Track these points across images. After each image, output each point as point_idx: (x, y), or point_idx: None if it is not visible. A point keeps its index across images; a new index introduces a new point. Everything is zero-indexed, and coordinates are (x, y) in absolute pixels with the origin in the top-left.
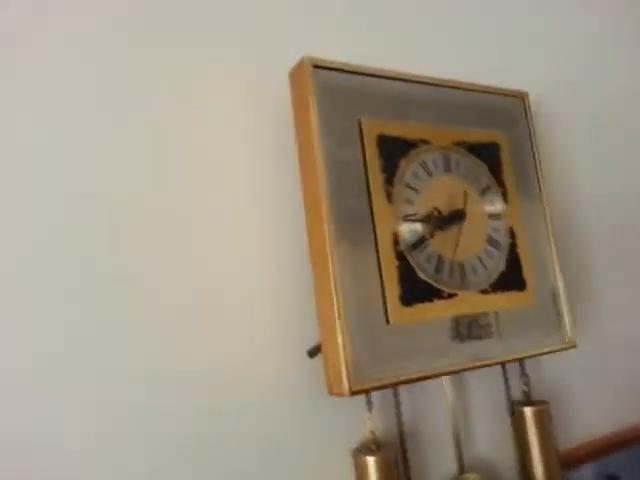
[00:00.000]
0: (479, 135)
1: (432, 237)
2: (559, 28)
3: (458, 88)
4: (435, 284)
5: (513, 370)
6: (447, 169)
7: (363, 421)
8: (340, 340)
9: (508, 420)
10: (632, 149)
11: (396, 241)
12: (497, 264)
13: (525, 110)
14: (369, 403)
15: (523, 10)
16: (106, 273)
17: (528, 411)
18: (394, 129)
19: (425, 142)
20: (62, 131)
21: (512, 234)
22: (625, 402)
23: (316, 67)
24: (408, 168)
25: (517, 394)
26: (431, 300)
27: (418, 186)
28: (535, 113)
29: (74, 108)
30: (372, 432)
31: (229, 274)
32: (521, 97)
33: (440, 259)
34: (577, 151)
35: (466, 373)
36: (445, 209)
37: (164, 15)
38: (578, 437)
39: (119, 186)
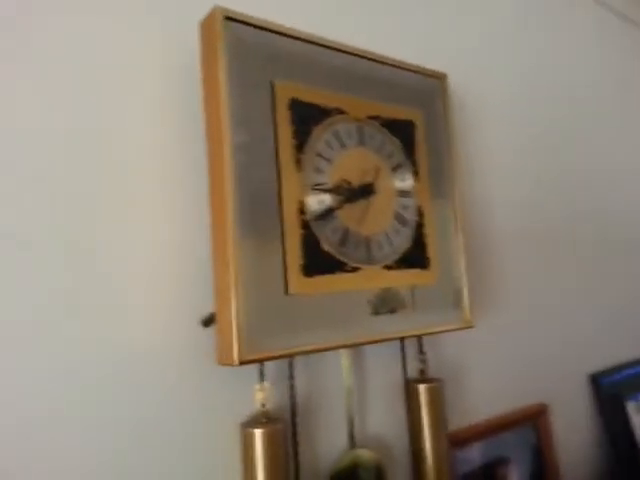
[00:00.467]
0: (395, 111)
1: (340, 209)
2: (479, 12)
3: (378, 62)
4: (339, 257)
5: (412, 348)
6: (361, 142)
7: (254, 393)
8: (233, 307)
9: (403, 397)
10: (543, 134)
11: (302, 210)
12: (403, 241)
13: (443, 91)
14: (261, 375)
15: None
16: None
17: (421, 388)
18: (309, 95)
19: (340, 112)
20: None
21: (420, 212)
22: (516, 385)
23: (228, 19)
24: (321, 136)
25: (415, 373)
26: (333, 272)
27: (330, 156)
28: (452, 95)
29: None
30: (262, 404)
31: (124, 243)
32: (440, 78)
33: (346, 232)
34: (490, 133)
35: (366, 349)
36: (356, 182)
37: None
38: (470, 417)
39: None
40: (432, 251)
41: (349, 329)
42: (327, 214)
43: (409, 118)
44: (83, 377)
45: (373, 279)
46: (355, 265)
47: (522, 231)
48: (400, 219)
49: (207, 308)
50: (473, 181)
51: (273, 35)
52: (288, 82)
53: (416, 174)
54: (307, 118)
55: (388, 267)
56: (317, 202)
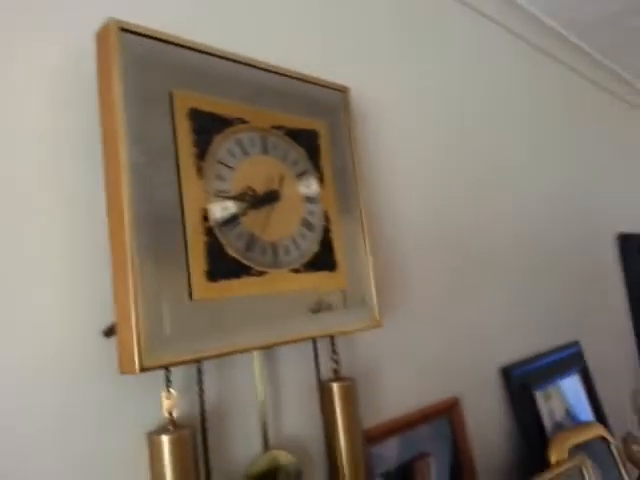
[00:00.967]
0: (299, 122)
1: (245, 215)
2: (383, 25)
3: (280, 74)
4: (245, 261)
5: (325, 350)
6: (264, 150)
7: (161, 401)
8: (132, 316)
9: (317, 398)
10: (447, 143)
11: (205, 217)
12: (311, 245)
13: (346, 103)
14: (168, 382)
15: (347, 4)
16: None
17: (335, 386)
18: (209, 104)
19: (242, 121)
20: None
21: (327, 218)
22: (429, 381)
23: (124, 31)
24: (222, 145)
25: (329, 374)
26: (239, 277)
27: (232, 164)
28: (356, 107)
29: None
30: (169, 412)
31: (17, 254)
32: (343, 91)
33: (252, 237)
34: (394, 143)
35: (278, 352)
36: (260, 189)
37: None
38: (385, 414)
39: None
40: (340, 254)
41: (258, 331)
42: (231, 221)
43: (313, 128)
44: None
45: (280, 282)
46: (261, 269)
47: (429, 235)
48: (307, 224)
49: (109, 319)
50: (379, 189)
51: (171, 46)
52: (187, 92)
53: (321, 181)
54: (208, 127)
55: (296, 270)
56: (221, 209)
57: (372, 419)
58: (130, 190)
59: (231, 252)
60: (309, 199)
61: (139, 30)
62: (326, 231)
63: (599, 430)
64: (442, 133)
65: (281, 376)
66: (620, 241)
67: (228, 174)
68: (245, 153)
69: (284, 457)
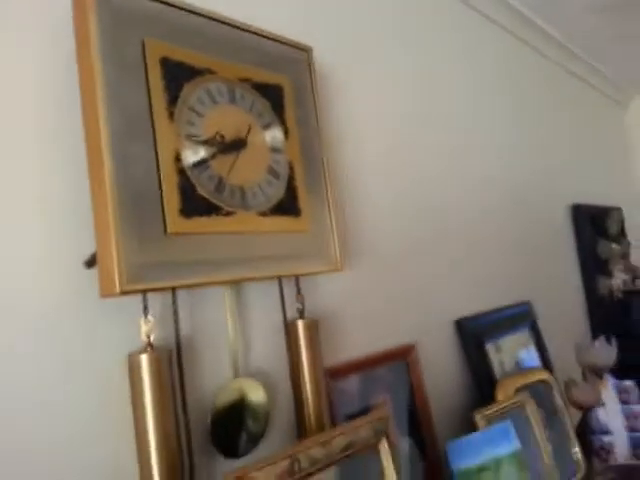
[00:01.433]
0: (265, 76)
1: (214, 159)
2: None
3: (248, 31)
4: (215, 201)
5: (291, 293)
6: (232, 100)
7: (138, 326)
8: (113, 245)
9: (283, 335)
10: (412, 108)
11: (178, 158)
12: (276, 192)
13: (308, 63)
14: (145, 309)
15: None
16: None
17: (300, 323)
18: (179, 54)
19: (210, 72)
20: None
21: (291, 167)
22: (387, 327)
23: None
24: (192, 93)
25: (294, 315)
26: (210, 215)
27: (202, 111)
28: (319, 67)
29: None
30: (147, 335)
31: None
32: (306, 50)
33: (221, 180)
34: (358, 103)
35: (248, 290)
36: (229, 136)
37: None
38: (347, 354)
39: None
40: (303, 202)
41: (228, 267)
42: (201, 163)
43: (278, 82)
44: None
45: (248, 223)
46: (230, 210)
47: (390, 188)
48: (272, 172)
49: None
50: (343, 146)
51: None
52: (159, 42)
53: (286, 133)
54: (178, 75)
55: (262, 214)
56: (192, 153)
57: (334, 358)
58: (108, 129)
59: (202, 192)
60: (274, 149)
61: None
62: (291, 179)
63: (544, 374)
64: (407, 96)
65: (250, 314)
66: (573, 211)
67: (198, 120)
68: (214, 102)
69: (253, 388)
